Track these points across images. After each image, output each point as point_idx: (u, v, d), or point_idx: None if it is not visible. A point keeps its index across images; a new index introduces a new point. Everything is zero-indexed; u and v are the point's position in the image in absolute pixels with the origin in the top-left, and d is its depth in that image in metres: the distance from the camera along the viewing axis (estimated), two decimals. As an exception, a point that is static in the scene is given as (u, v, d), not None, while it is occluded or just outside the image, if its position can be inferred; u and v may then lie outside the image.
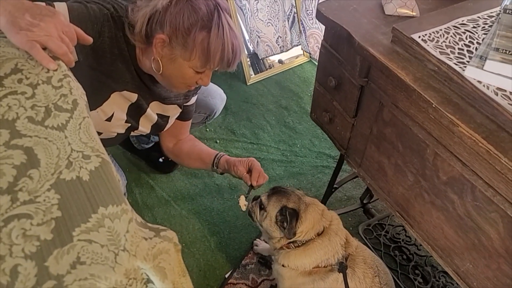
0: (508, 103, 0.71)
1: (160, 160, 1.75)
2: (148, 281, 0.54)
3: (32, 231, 0.50)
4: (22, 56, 0.70)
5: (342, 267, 1.07)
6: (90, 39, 0.82)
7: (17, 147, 0.58)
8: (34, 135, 0.60)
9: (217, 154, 1.36)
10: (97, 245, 0.50)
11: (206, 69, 1.07)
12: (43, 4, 0.75)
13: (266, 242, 1.28)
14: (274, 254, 1.22)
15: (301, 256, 1.11)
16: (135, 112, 1.22)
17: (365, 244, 1.52)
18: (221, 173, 1.37)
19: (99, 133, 1.20)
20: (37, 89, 0.66)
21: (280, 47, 2.39)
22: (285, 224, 1.09)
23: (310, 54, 2.45)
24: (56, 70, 0.69)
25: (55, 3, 0.88)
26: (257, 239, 1.53)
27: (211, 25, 0.98)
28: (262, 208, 1.17)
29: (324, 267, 1.10)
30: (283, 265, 1.15)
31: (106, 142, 1.32)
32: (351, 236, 1.19)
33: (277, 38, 2.35)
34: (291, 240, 1.12)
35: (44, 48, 0.71)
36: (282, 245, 1.15)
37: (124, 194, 1.67)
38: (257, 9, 2.20)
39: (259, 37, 2.31)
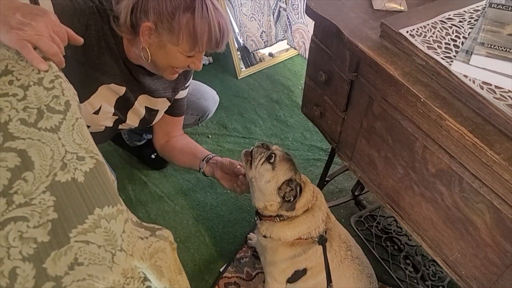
0: (494, 97, 0.73)
1: (153, 156, 1.75)
2: (146, 279, 0.55)
3: (29, 233, 0.51)
4: (12, 57, 0.70)
5: (322, 240, 1.11)
6: (81, 40, 0.82)
7: (11, 149, 0.59)
8: (27, 137, 0.60)
9: (211, 153, 1.35)
10: (94, 246, 0.51)
11: (196, 52, 1.06)
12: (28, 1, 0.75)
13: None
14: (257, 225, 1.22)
15: (285, 228, 1.12)
16: (122, 106, 1.22)
17: (357, 235, 1.55)
18: (204, 174, 1.33)
19: (87, 127, 1.20)
20: (29, 90, 0.66)
21: (264, 42, 2.38)
22: (289, 196, 1.08)
23: (295, 49, 2.44)
24: (47, 71, 0.69)
25: (39, 0, 0.88)
26: (251, 233, 1.55)
27: (194, 5, 0.98)
28: (271, 163, 1.09)
29: (305, 239, 1.13)
30: (264, 236, 1.16)
31: (95, 138, 1.31)
32: (330, 211, 1.22)
33: (261, 33, 2.34)
34: (279, 214, 1.12)
35: (35, 48, 0.70)
36: (268, 214, 1.14)
37: None
38: (241, 4, 2.19)
39: (245, 31, 2.30)
